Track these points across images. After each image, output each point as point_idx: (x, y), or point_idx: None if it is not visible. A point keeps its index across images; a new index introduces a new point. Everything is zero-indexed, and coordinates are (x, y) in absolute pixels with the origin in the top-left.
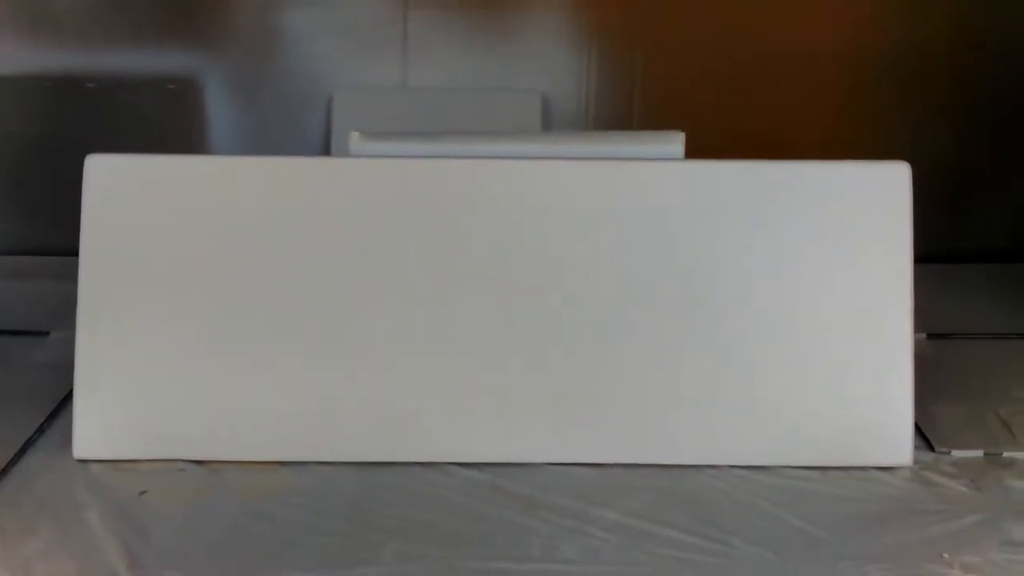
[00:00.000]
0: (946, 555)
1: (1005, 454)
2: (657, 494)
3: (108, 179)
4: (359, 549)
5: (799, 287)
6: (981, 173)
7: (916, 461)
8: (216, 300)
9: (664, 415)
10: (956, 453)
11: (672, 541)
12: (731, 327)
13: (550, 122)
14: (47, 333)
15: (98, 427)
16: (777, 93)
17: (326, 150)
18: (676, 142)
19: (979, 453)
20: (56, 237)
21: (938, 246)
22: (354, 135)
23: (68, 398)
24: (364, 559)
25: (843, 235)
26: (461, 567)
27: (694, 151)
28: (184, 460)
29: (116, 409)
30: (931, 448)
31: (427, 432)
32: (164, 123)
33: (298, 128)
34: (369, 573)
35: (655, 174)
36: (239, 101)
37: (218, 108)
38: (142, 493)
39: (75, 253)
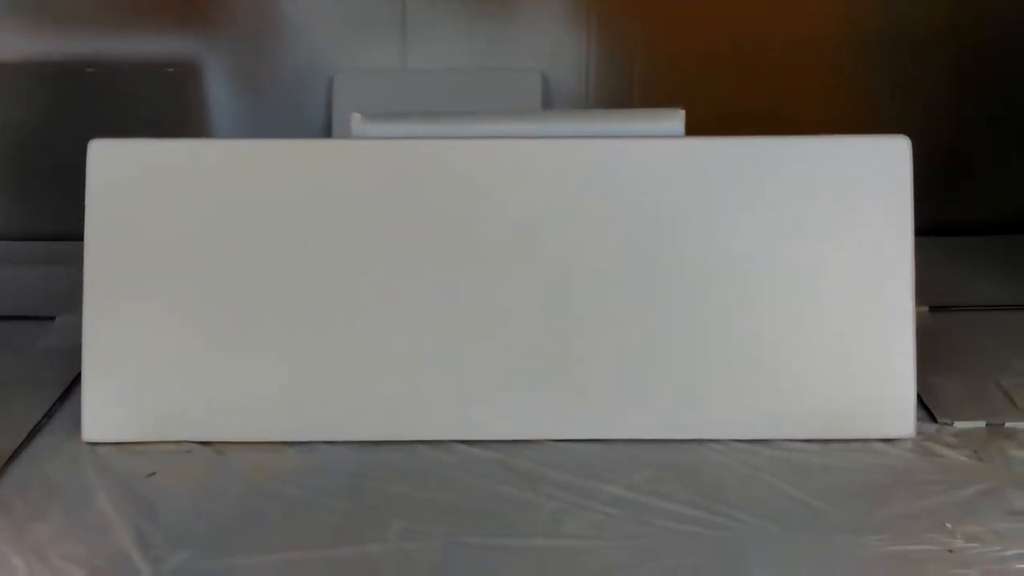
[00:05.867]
0: (949, 525)
1: (1007, 424)
2: (660, 468)
3: (111, 164)
4: (365, 527)
5: (801, 261)
6: (982, 146)
7: (918, 432)
8: (220, 283)
9: (666, 390)
10: (958, 424)
11: (675, 514)
12: (733, 302)
13: (550, 101)
14: (53, 318)
15: (106, 410)
16: (777, 69)
17: (327, 132)
18: (676, 119)
19: (981, 424)
20: (59, 222)
21: (939, 219)
22: (356, 116)
23: (76, 382)
24: (370, 537)
25: (844, 209)
26: (467, 543)
27: (693, 128)
28: (191, 441)
29: (124, 392)
30: (933, 419)
31: (431, 410)
32: (164, 107)
33: (299, 110)
34: (375, 550)
35: (656, 151)
36: (239, 84)
37: (218, 91)
38: (150, 475)
39: (78, 238)
